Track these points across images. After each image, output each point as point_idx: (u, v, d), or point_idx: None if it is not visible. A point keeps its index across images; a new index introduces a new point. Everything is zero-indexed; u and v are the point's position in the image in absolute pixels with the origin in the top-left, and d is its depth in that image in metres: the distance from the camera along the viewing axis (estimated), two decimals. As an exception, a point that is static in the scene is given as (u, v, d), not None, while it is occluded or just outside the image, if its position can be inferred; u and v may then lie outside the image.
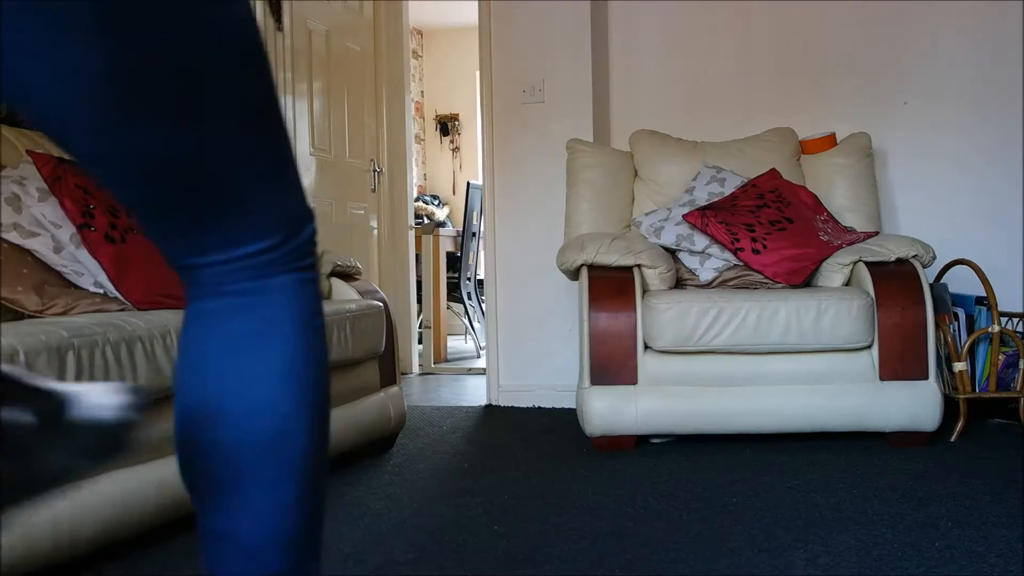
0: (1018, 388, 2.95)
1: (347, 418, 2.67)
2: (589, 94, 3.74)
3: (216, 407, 0.87)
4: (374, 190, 4.76)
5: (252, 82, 0.84)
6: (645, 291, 2.97)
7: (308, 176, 4.12)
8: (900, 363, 2.82)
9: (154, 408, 2.05)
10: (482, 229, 4.27)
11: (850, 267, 3.03)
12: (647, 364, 2.85)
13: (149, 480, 1.96)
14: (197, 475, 0.89)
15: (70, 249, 2.27)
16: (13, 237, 2.25)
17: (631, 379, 2.84)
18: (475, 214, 5.70)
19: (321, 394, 0.92)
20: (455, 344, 6.43)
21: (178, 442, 0.90)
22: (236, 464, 0.87)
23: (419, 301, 5.33)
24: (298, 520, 0.89)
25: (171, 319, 2.08)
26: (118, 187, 0.84)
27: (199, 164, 0.82)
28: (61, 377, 1.74)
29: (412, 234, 5.06)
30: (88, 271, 2.27)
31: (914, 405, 2.80)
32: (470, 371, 5.12)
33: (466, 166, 7.90)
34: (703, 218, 3.14)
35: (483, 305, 4.61)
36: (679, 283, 3.17)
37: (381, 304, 2.97)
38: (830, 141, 3.56)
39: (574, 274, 3.13)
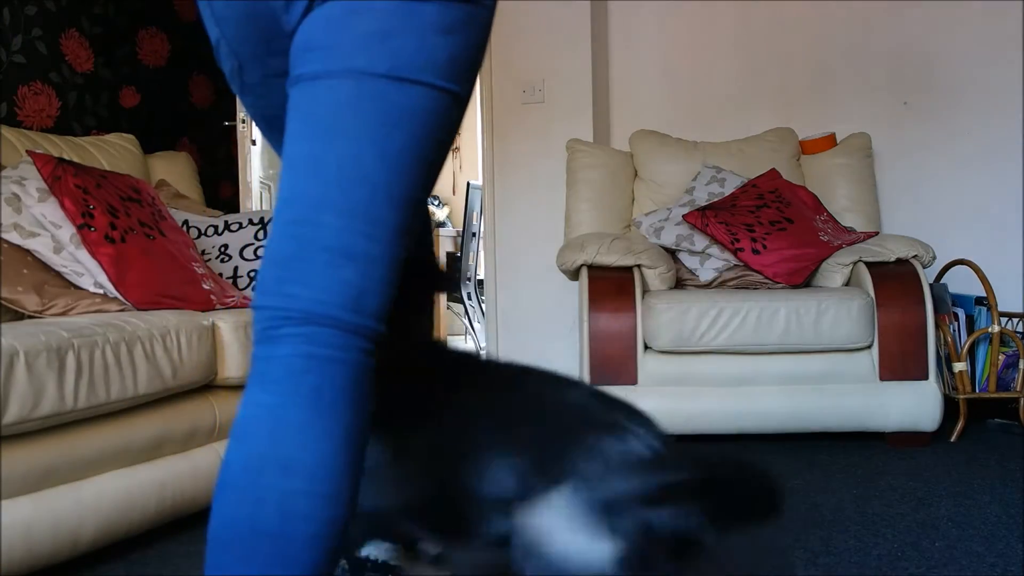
0: (1018, 388, 2.95)
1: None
2: (589, 94, 3.74)
3: None
4: (374, 190, 4.75)
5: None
6: (645, 291, 2.97)
7: (308, 176, 4.12)
8: (900, 363, 2.81)
9: (154, 408, 2.05)
10: (482, 229, 4.27)
11: (850, 267, 3.03)
12: (647, 364, 2.85)
13: (149, 480, 1.96)
14: None
15: (70, 249, 2.27)
16: (13, 237, 2.25)
17: (631, 379, 2.84)
18: (475, 214, 5.69)
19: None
20: (455, 344, 6.42)
21: None
22: None
23: (419, 301, 5.32)
24: None
25: (171, 319, 2.08)
26: None
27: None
28: (61, 377, 1.74)
29: (412, 234, 5.05)
30: (88, 271, 2.27)
31: (914, 405, 2.80)
32: (470, 371, 5.11)
33: (466, 166, 7.89)
34: (703, 218, 3.14)
35: (483, 305, 4.61)
36: (679, 283, 3.17)
37: (381, 304, 2.96)
38: (830, 141, 3.56)
39: (574, 274, 3.13)
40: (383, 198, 0.98)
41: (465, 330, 6.33)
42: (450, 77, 1.01)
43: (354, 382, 0.96)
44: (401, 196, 0.99)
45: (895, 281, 2.89)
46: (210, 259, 2.75)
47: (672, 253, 3.20)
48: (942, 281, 3.22)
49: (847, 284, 3.03)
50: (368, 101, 0.98)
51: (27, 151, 2.43)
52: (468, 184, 5.87)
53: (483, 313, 5.09)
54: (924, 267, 2.96)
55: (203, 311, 2.27)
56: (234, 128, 3.59)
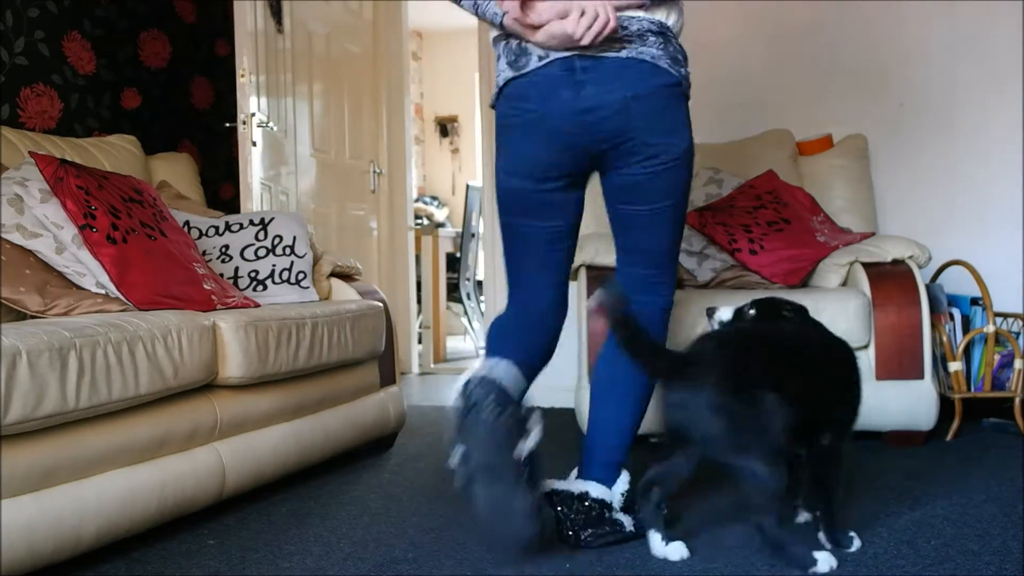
0: (1013, 388, 2.96)
1: (347, 418, 2.69)
2: (588, 96, 3.74)
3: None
4: (374, 191, 4.78)
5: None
6: (643, 292, 2.98)
7: (308, 177, 4.14)
8: (896, 363, 2.83)
9: (155, 407, 2.07)
10: (481, 230, 4.29)
11: (847, 268, 3.04)
12: (645, 364, 2.86)
13: (151, 479, 1.98)
14: None
15: (72, 250, 2.28)
16: (15, 238, 2.27)
17: (629, 379, 2.85)
18: (474, 215, 5.72)
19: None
20: (454, 344, 6.44)
21: None
22: None
23: (419, 301, 5.35)
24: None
25: (172, 319, 2.10)
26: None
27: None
28: (63, 377, 1.76)
29: (412, 235, 5.08)
30: (90, 272, 2.28)
31: (910, 405, 2.82)
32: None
33: (465, 167, 7.92)
34: (701, 219, 3.15)
35: (482, 305, 4.63)
36: (677, 283, 3.18)
37: (381, 304, 2.98)
38: (827, 143, 3.57)
39: (573, 274, 3.14)
40: None
41: (464, 330, 6.35)
42: None
43: None
44: None
45: (891, 281, 2.90)
46: (211, 260, 2.76)
47: (670, 254, 3.21)
48: (938, 281, 3.24)
49: (844, 284, 3.04)
50: None
51: (29, 152, 2.44)
52: (468, 185, 5.90)
53: (482, 313, 5.11)
54: (920, 267, 2.97)
55: (204, 311, 2.29)
56: (235, 130, 3.60)
